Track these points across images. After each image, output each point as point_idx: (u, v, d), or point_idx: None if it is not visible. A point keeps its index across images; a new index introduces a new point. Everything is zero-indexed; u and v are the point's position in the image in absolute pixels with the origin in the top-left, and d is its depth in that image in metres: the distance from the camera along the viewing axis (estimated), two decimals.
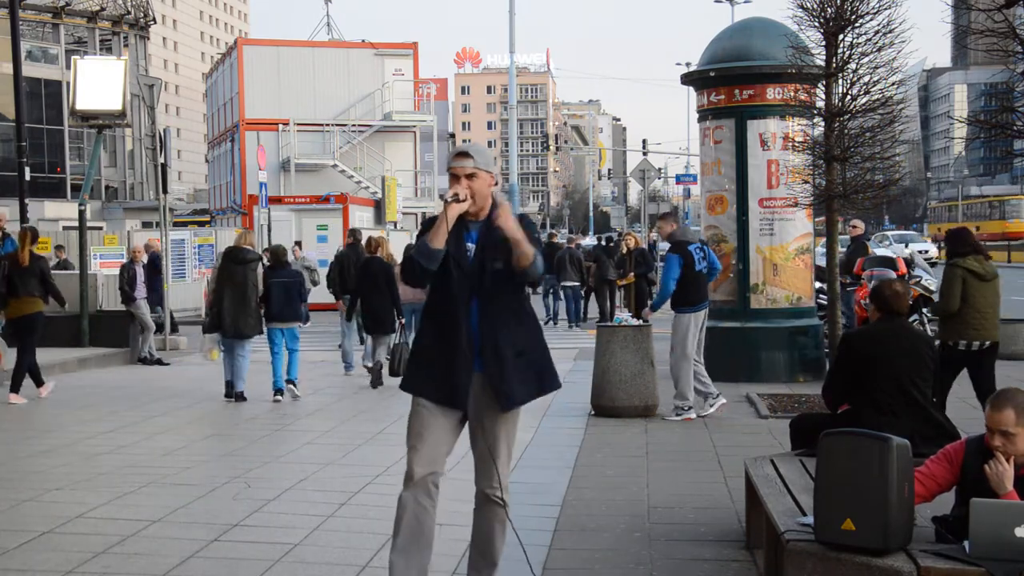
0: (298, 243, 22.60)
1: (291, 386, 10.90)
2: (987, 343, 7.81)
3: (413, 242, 7.66)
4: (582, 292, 21.76)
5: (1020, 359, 13.24)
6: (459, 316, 4.15)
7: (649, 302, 14.37)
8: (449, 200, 4.12)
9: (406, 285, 4.54)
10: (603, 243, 24.41)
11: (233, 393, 10.73)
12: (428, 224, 4.24)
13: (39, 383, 10.86)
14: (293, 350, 11.00)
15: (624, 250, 19.09)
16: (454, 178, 4.18)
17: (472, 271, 4.17)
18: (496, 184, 4.32)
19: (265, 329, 10.99)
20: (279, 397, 10.69)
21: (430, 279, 4.20)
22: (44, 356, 12.35)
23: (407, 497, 4.19)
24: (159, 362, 14.48)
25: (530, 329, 4.31)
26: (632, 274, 18.46)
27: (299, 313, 11.24)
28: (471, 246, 4.19)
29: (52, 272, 11.75)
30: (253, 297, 10.74)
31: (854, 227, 14.02)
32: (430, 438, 4.19)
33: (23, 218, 16.59)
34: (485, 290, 4.15)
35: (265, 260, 11.73)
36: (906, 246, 34.12)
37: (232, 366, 10.77)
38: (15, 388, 10.60)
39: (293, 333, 11.04)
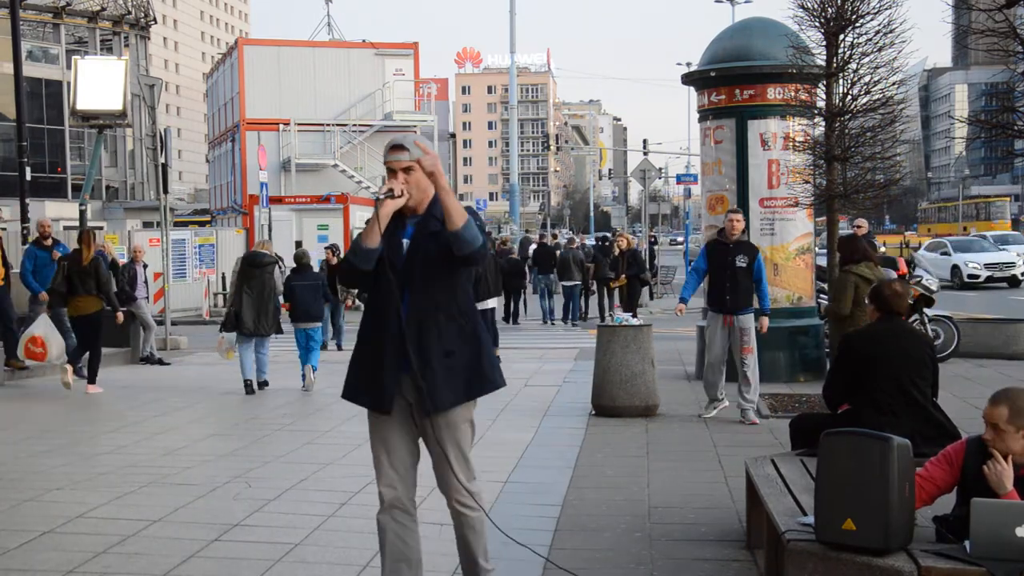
0: (298, 243, 22.54)
1: (308, 369, 11.57)
2: None
3: None
4: (581, 291, 21.88)
5: (1020, 359, 13.27)
6: (390, 316, 4.00)
7: (644, 300, 14.19)
8: (382, 197, 3.94)
9: (342, 285, 4.41)
10: (601, 243, 24.50)
11: (258, 382, 11.45)
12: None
13: (92, 379, 11.51)
14: (313, 349, 11.70)
15: (616, 251, 19.04)
16: (391, 172, 4.01)
17: (404, 267, 4.01)
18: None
19: (294, 329, 11.78)
20: (309, 384, 11.48)
21: (367, 280, 4.06)
22: None
23: (384, 519, 4.12)
24: (160, 362, 14.49)
25: (463, 327, 4.05)
26: (624, 275, 18.43)
27: (322, 313, 11.95)
28: (406, 242, 4.03)
29: None
30: (271, 298, 11.38)
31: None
32: (390, 453, 4.10)
33: (24, 218, 16.59)
34: (416, 285, 3.98)
35: (281, 264, 12.38)
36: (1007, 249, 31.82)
37: (257, 362, 11.48)
38: (92, 380, 11.44)
39: (317, 334, 11.86)
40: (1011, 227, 56.07)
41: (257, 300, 11.23)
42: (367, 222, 4.10)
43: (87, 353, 11.58)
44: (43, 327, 11.49)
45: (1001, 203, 60.59)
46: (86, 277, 11.25)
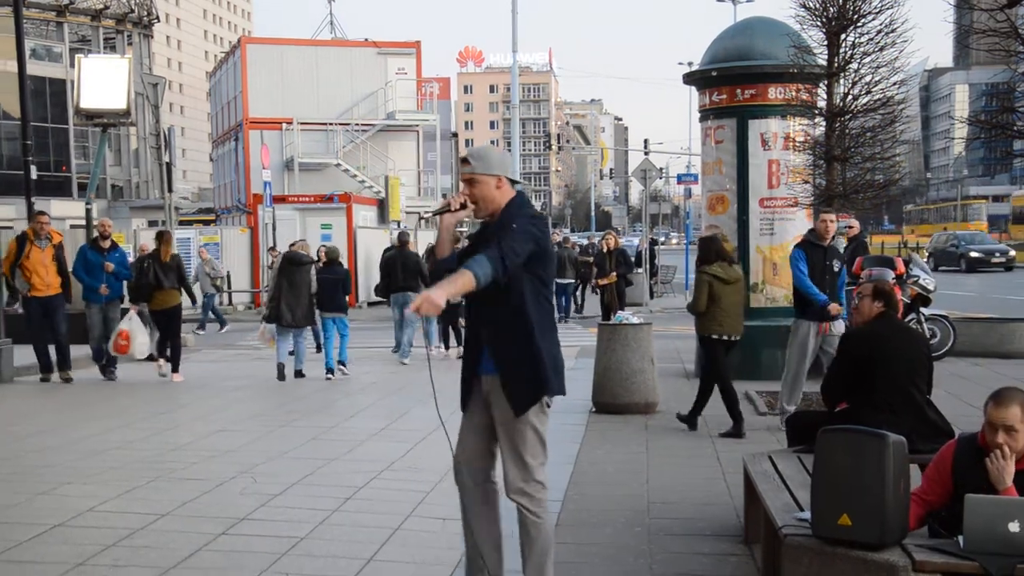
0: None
1: (341, 366, 12.58)
2: (733, 336, 8.75)
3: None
4: (575, 288, 22.74)
5: (1014, 358, 13.34)
6: (472, 319, 4.36)
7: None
8: (439, 212, 4.26)
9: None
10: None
11: (295, 371, 12.46)
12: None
13: (176, 368, 12.54)
14: (343, 335, 12.79)
15: (604, 249, 19.09)
16: (467, 183, 4.26)
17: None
18: (505, 184, 4.23)
19: (319, 319, 12.90)
20: (330, 376, 12.32)
21: None
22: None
23: (457, 484, 4.39)
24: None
25: (522, 334, 4.14)
26: (614, 274, 18.45)
27: (344, 305, 12.98)
28: None
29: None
30: (307, 293, 12.49)
31: (850, 227, 14.06)
32: (464, 436, 4.35)
33: (30, 217, 16.63)
34: (480, 295, 4.06)
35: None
36: None
37: (295, 351, 12.60)
38: (175, 368, 12.48)
39: (343, 322, 12.84)
40: (987, 228, 58.76)
41: (295, 295, 12.35)
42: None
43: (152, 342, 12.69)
44: (130, 323, 12.33)
45: (978, 205, 63.64)
46: (168, 272, 12.29)
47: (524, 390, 4.16)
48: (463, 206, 4.21)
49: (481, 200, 4.20)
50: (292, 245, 13.28)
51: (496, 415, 4.23)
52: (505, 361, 4.16)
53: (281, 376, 12.21)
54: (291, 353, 12.63)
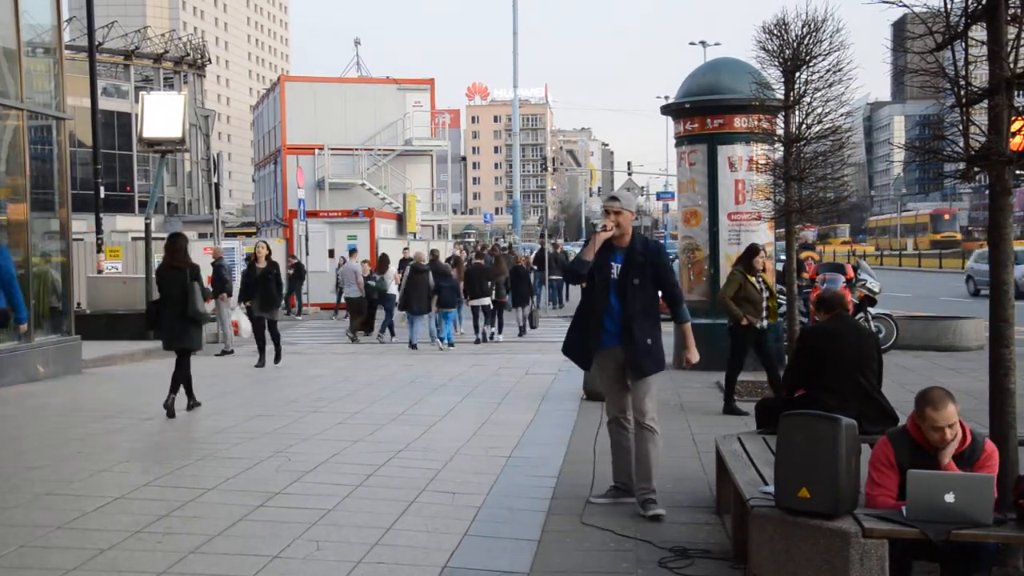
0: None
1: (439, 342, 15.24)
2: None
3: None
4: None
5: (949, 351, 13.28)
6: (597, 308, 5.37)
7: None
8: (599, 230, 5.34)
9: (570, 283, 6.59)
10: None
11: (412, 344, 15.06)
12: (585, 243, 5.52)
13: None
14: (449, 321, 15.42)
15: None
16: (606, 213, 5.39)
17: (616, 280, 5.35)
18: (635, 218, 5.42)
19: (439, 311, 15.48)
20: (441, 346, 15.20)
21: (582, 279, 5.47)
22: (116, 347, 12.40)
23: (610, 428, 5.62)
24: (224, 352, 14.47)
25: (656, 326, 5.40)
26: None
27: (456, 303, 15.66)
28: (616, 265, 5.37)
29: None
30: (426, 292, 15.18)
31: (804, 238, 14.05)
32: (608, 391, 5.56)
33: (98, 230, 16.61)
34: (627, 294, 5.29)
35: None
36: None
37: (413, 331, 15.24)
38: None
39: (452, 314, 15.57)
40: (849, 238, 73.05)
41: (419, 292, 15.10)
42: (585, 241, 5.56)
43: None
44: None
45: (843, 228, 76.03)
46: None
47: (657, 362, 5.40)
48: (607, 228, 5.33)
49: (622, 226, 5.37)
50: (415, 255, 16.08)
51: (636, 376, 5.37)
52: (651, 341, 5.36)
53: (412, 347, 14.88)
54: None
